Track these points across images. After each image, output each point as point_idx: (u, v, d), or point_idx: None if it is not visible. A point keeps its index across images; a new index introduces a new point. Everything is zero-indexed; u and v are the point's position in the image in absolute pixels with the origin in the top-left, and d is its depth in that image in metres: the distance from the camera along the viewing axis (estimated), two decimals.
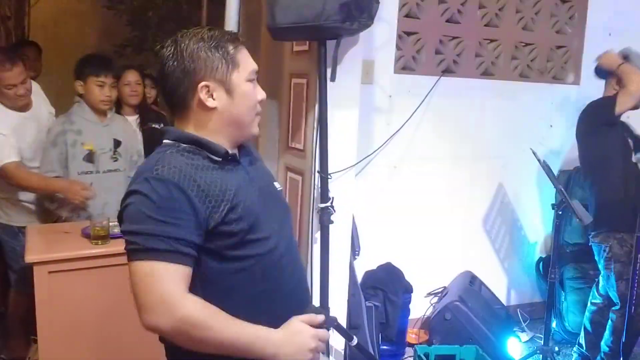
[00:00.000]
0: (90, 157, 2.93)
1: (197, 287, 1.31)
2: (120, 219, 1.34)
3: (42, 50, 4.28)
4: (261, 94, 1.46)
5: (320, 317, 1.41)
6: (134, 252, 1.26)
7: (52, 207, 3.00)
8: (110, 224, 2.51)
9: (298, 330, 1.35)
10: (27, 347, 3.18)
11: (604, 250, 2.99)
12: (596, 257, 3.07)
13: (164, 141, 1.42)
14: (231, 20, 2.16)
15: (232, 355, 1.29)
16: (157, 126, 3.49)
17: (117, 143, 3.03)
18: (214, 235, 1.31)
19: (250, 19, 3.01)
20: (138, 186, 1.29)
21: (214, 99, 1.37)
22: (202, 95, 1.36)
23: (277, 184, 1.60)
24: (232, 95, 1.39)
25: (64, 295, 2.34)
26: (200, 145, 1.37)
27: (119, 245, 2.46)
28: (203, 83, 1.36)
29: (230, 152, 1.41)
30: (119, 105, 3.41)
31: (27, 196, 3.07)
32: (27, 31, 5.96)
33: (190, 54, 1.35)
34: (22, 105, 3.01)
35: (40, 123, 3.11)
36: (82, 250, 2.38)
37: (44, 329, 2.32)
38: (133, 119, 3.47)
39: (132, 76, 3.50)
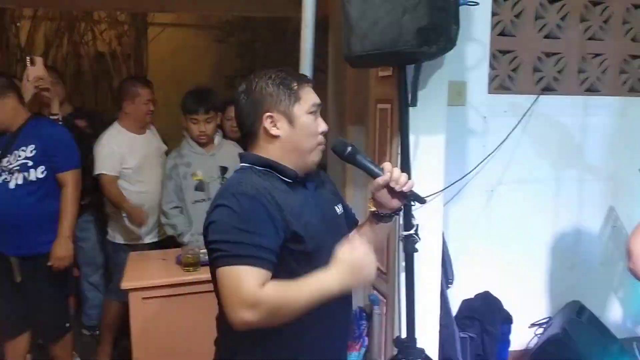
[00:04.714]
0: (200, 186, 3.17)
1: None
2: (206, 230, 1.46)
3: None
4: (322, 126, 1.58)
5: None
6: (221, 259, 1.38)
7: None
8: (200, 251, 2.62)
9: (348, 258, 1.38)
10: (112, 353, 3.46)
11: None
12: None
13: (241, 164, 1.59)
14: (306, 52, 2.18)
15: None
16: None
17: (223, 170, 3.20)
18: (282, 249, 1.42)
19: (338, 47, 3.04)
20: (224, 200, 1.43)
21: (277, 128, 1.53)
22: (267, 124, 1.53)
23: (338, 208, 1.67)
24: (294, 125, 1.53)
25: (157, 320, 2.45)
26: (273, 168, 1.53)
27: (208, 273, 2.57)
28: (267, 114, 1.52)
29: (299, 175, 1.55)
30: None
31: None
32: (146, 67, 6.38)
33: (260, 89, 1.54)
34: (145, 124, 3.47)
35: (150, 148, 3.47)
36: (173, 277, 2.49)
37: (138, 353, 2.44)
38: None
39: (234, 111, 3.63)
